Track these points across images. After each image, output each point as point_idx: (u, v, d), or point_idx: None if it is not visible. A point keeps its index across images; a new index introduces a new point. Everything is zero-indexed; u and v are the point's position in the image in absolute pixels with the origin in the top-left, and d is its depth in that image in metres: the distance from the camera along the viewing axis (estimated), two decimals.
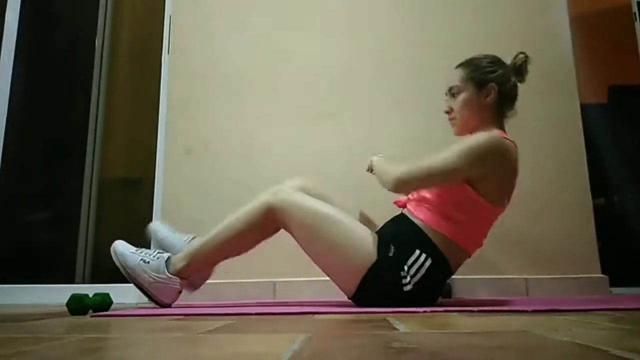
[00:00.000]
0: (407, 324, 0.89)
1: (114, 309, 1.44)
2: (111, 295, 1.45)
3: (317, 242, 1.39)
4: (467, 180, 1.34)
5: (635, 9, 2.44)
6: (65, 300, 1.34)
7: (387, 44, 2.23)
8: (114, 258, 1.47)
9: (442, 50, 2.14)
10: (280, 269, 1.97)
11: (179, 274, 1.45)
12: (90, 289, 1.57)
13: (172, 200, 2.14)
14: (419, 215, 1.40)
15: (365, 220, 1.53)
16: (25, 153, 2.69)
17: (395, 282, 1.33)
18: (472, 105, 1.45)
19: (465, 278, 1.87)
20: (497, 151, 1.32)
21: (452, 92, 1.47)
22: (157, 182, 2.25)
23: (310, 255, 1.43)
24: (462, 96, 1.45)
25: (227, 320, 1.06)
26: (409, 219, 1.42)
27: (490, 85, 1.43)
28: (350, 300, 1.48)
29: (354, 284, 1.37)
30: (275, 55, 2.25)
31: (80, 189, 2.66)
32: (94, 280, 2.55)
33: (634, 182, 2.65)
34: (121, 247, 1.48)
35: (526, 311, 1.13)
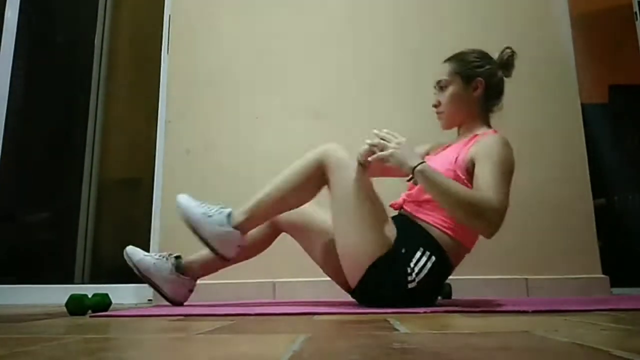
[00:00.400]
0: (408, 325, 0.89)
1: (113, 310, 1.44)
2: (110, 296, 1.45)
3: (346, 210, 1.38)
4: (470, 181, 1.34)
5: (636, 8, 2.43)
6: (64, 301, 1.33)
7: (387, 43, 2.23)
8: (177, 211, 1.47)
9: (442, 50, 2.13)
10: (280, 269, 1.97)
11: (239, 226, 1.45)
12: (89, 289, 1.57)
13: (172, 200, 2.13)
14: (421, 217, 1.40)
15: None
16: (24, 153, 2.69)
17: (401, 277, 1.33)
18: (460, 99, 1.47)
19: (465, 278, 1.87)
20: (512, 156, 1.36)
21: (440, 86, 1.50)
22: (156, 182, 2.24)
23: (334, 223, 1.41)
24: (449, 90, 1.47)
25: (226, 321, 1.05)
26: (409, 219, 1.42)
27: (478, 80, 1.46)
28: (349, 299, 1.48)
29: (362, 267, 1.35)
30: (275, 55, 2.25)
31: (79, 189, 2.65)
32: (93, 280, 2.55)
33: (634, 182, 2.65)
34: (185, 201, 1.49)
35: (527, 312, 1.13)
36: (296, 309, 1.31)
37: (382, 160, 1.33)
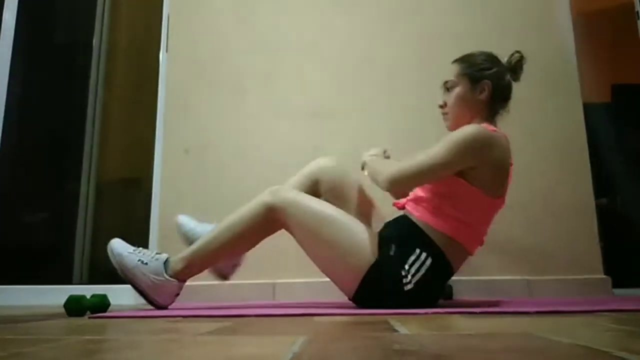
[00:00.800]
0: (408, 326, 0.89)
1: (112, 311, 1.43)
2: (109, 297, 1.44)
3: (317, 242, 1.39)
4: (459, 174, 1.34)
5: (638, 7, 2.43)
6: (62, 302, 1.33)
7: (388, 43, 2.22)
8: (110, 257, 1.43)
9: (443, 50, 2.13)
10: (280, 270, 1.96)
11: (177, 276, 1.43)
12: (88, 290, 1.57)
13: (171, 200, 2.14)
14: (418, 214, 1.40)
15: (366, 217, 1.53)
16: (22, 153, 2.69)
17: (396, 281, 1.32)
18: (466, 101, 1.46)
19: (466, 279, 1.87)
20: (484, 141, 1.32)
21: (447, 87, 1.50)
22: (155, 182, 2.24)
23: (310, 256, 1.43)
24: (456, 91, 1.47)
25: (225, 322, 1.05)
26: (409, 219, 1.42)
27: (485, 82, 1.45)
28: (350, 301, 1.47)
29: (354, 284, 1.36)
30: (274, 54, 2.25)
31: (78, 189, 2.65)
32: (91, 281, 2.54)
33: (637, 182, 2.64)
34: (119, 247, 1.45)
35: (528, 313, 1.12)
36: (296, 310, 1.30)
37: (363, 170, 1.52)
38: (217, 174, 2.15)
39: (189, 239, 1.55)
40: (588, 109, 2.14)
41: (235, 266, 1.58)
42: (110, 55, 2.88)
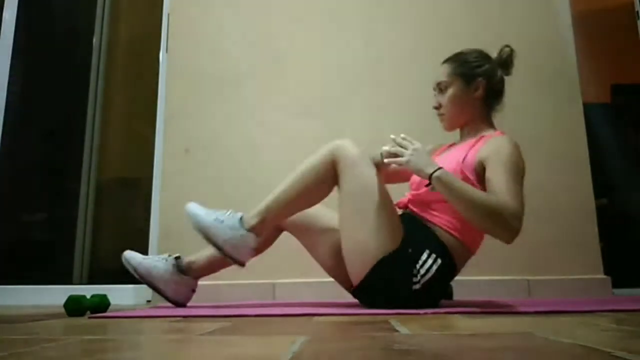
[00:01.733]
0: (408, 326, 0.89)
1: (112, 310, 1.43)
2: (109, 297, 1.44)
3: (358, 207, 1.37)
4: (481, 180, 1.34)
5: (638, 7, 2.43)
6: (62, 302, 1.33)
7: (388, 43, 2.22)
8: (188, 218, 1.43)
9: (443, 50, 2.13)
10: (280, 270, 1.96)
11: (253, 229, 1.43)
12: (88, 290, 1.57)
13: (171, 200, 2.14)
14: (428, 217, 1.39)
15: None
16: (22, 152, 2.69)
17: (406, 278, 1.32)
18: (461, 100, 1.46)
19: (467, 279, 1.86)
20: (522, 158, 1.38)
21: (440, 88, 1.49)
22: (155, 182, 2.24)
23: (342, 219, 1.41)
24: (450, 91, 1.46)
25: (226, 322, 1.05)
26: (416, 219, 1.41)
27: (478, 80, 1.45)
28: (349, 300, 1.47)
29: (368, 264, 1.34)
30: (274, 54, 2.25)
31: (78, 189, 2.65)
32: (91, 281, 2.54)
33: (637, 182, 2.64)
34: (194, 209, 1.44)
35: (528, 313, 1.12)
36: (296, 310, 1.30)
37: (400, 165, 1.34)
38: (217, 173, 2.15)
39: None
40: (588, 109, 2.14)
41: (193, 292, 1.59)
42: (111, 54, 2.88)
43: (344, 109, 2.17)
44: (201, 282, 1.61)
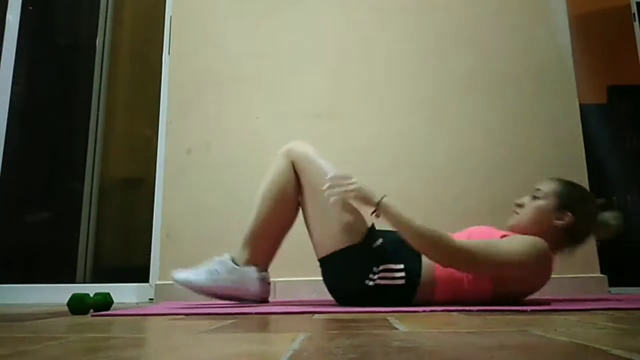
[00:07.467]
0: (407, 324, 0.89)
1: (115, 309, 1.44)
2: (112, 295, 1.45)
3: (317, 200, 1.42)
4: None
5: (634, 9, 2.44)
6: (66, 300, 1.34)
7: (390, 45, 2.23)
8: (182, 287, 1.43)
9: (444, 51, 2.14)
10: (280, 269, 1.96)
11: (249, 262, 1.45)
12: (91, 289, 1.58)
13: (173, 200, 2.14)
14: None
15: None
16: (26, 153, 2.69)
17: (362, 271, 1.36)
18: (542, 217, 1.40)
19: None
20: (546, 264, 1.32)
21: (535, 194, 1.43)
22: (158, 182, 2.25)
23: (307, 212, 1.47)
24: (539, 203, 1.41)
25: (227, 320, 1.06)
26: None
27: (568, 214, 1.38)
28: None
29: (328, 249, 1.41)
30: (276, 55, 2.26)
31: (81, 188, 2.66)
32: (95, 279, 2.55)
33: (633, 182, 2.65)
34: (181, 275, 1.45)
35: (525, 311, 1.13)
36: (296, 308, 1.31)
37: (348, 191, 1.35)
38: (219, 174, 2.15)
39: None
40: (584, 110, 2.15)
41: (268, 284, 1.56)
42: (113, 56, 2.88)
43: (345, 109, 2.18)
44: None
